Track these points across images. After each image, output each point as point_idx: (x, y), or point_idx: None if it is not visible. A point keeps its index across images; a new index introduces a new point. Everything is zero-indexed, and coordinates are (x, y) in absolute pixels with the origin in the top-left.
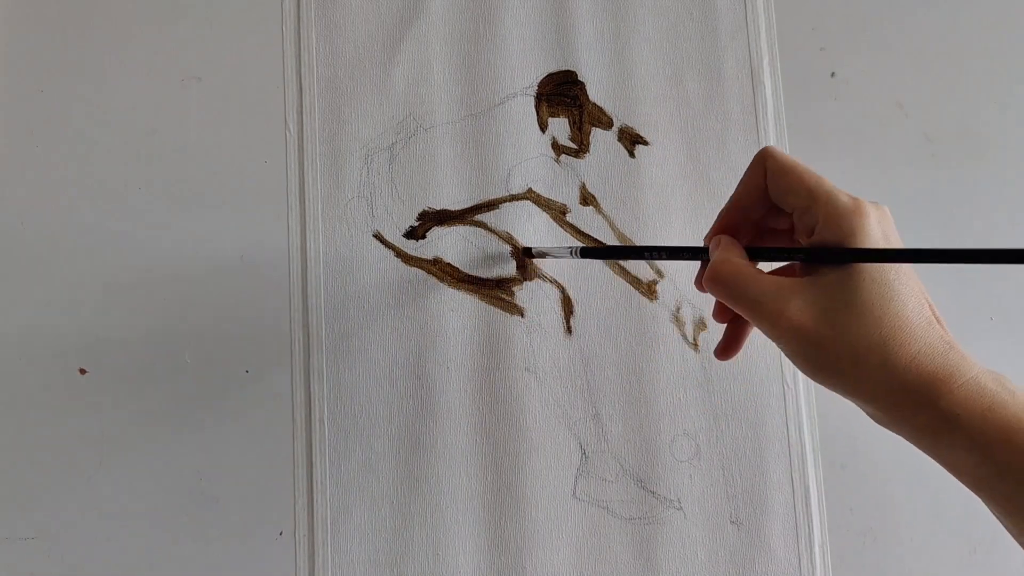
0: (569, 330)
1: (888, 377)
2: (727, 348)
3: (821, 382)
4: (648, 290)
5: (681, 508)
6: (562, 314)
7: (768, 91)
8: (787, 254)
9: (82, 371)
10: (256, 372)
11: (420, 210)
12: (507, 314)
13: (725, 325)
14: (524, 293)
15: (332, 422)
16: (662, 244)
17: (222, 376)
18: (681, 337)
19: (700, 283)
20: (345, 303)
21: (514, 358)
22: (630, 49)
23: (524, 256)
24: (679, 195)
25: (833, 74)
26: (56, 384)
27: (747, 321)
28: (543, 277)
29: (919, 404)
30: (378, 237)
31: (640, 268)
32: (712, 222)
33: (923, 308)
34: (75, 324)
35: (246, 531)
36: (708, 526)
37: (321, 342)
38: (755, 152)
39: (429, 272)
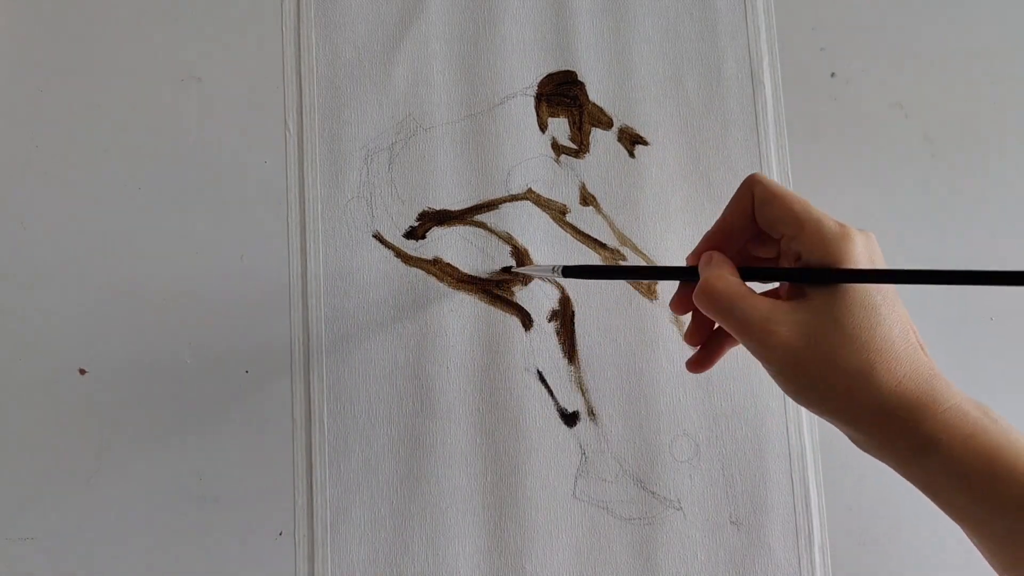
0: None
1: (873, 400)
2: (701, 362)
3: (804, 403)
4: (648, 290)
5: (681, 508)
6: (562, 314)
7: (768, 91)
8: (778, 274)
9: (82, 371)
10: (256, 372)
11: (420, 210)
12: (507, 314)
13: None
14: (524, 293)
15: (332, 422)
16: (660, 243)
17: (222, 376)
18: (681, 337)
19: (677, 304)
20: (345, 303)
21: (514, 358)
22: (630, 49)
23: (503, 272)
24: (679, 195)
25: (833, 74)
26: (56, 384)
27: (724, 341)
28: (543, 277)
29: (902, 428)
30: (378, 237)
31: None
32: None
33: (908, 334)
34: (75, 324)
35: (246, 531)
36: (708, 526)
37: (321, 342)
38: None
39: (429, 272)
